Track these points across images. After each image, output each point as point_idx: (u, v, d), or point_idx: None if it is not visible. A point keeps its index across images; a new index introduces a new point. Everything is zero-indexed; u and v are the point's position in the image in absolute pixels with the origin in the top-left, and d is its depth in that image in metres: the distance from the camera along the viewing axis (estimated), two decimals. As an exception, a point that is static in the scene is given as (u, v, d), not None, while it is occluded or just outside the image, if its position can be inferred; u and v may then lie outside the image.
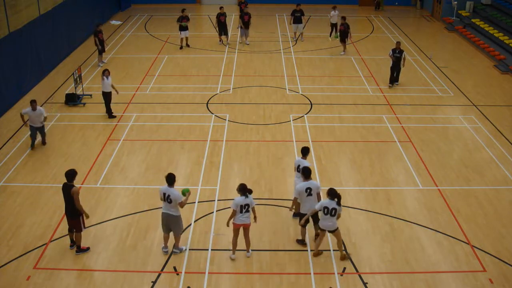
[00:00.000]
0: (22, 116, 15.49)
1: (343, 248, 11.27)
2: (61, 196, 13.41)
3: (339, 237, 11.05)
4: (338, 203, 10.70)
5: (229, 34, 26.77)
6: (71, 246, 11.43)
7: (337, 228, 10.94)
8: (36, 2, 21.20)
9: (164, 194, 10.83)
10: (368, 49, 25.79)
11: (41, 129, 15.73)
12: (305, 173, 11.27)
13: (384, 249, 11.51)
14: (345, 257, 11.16)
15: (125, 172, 14.56)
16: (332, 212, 10.71)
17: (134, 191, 13.66)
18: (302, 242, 11.60)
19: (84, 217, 11.14)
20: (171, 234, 11.25)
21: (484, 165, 15.12)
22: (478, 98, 19.91)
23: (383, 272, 10.87)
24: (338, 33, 24.89)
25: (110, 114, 17.79)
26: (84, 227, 11.24)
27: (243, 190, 10.68)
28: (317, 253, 11.24)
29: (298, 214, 11.64)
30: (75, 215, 11.01)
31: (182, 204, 10.80)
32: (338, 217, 10.87)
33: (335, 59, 24.23)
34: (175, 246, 11.32)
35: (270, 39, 27.25)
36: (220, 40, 26.37)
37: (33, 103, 15.29)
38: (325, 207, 10.72)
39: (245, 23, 25.71)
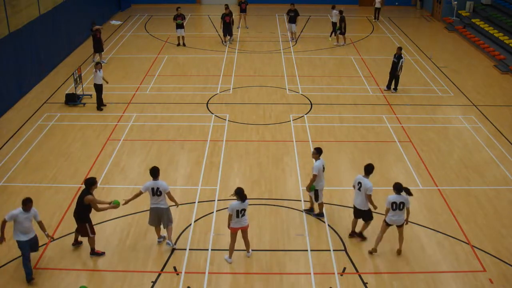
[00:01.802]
0: (3, 224, 10.33)
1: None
2: (61, 196, 13.49)
3: (403, 232, 11.12)
4: (409, 193, 10.74)
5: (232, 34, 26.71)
6: (73, 244, 11.46)
7: (404, 222, 11.02)
8: (36, 2, 21.20)
9: (153, 188, 10.94)
10: (368, 49, 25.80)
11: (35, 244, 10.62)
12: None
13: (384, 249, 11.49)
14: (400, 252, 11.26)
15: (125, 172, 14.56)
16: (400, 206, 10.76)
17: (134, 191, 13.56)
18: (361, 235, 11.79)
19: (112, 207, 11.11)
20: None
21: (484, 165, 15.11)
22: (478, 98, 19.91)
23: (383, 272, 10.87)
24: (338, 30, 25.83)
25: (101, 104, 18.42)
26: (92, 233, 11.12)
27: (240, 194, 10.62)
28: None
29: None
30: (80, 220, 11.00)
31: (170, 195, 11.05)
32: (408, 211, 10.92)
33: (335, 59, 24.24)
34: (168, 238, 11.35)
35: (270, 39, 27.25)
36: (224, 41, 26.24)
37: (28, 202, 10.23)
38: (393, 203, 10.76)
39: (227, 24, 25.71)
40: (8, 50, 18.64)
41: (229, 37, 26.19)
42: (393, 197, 10.81)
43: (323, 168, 12.04)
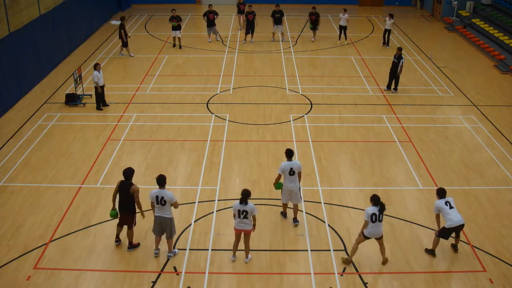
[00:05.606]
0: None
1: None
2: (61, 196, 13.46)
3: (383, 243, 10.96)
4: (383, 208, 10.61)
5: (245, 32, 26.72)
6: (116, 241, 11.56)
7: (382, 235, 10.88)
8: (37, 2, 21.20)
9: (157, 197, 10.75)
10: (368, 49, 25.80)
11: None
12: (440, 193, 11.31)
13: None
14: (387, 261, 11.10)
15: (125, 172, 14.55)
16: (379, 218, 10.62)
17: (134, 191, 13.64)
18: (432, 252, 11.40)
19: (141, 216, 11.33)
20: (163, 236, 11.17)
21: (484, 165, 15.11)
22: (478, 98, 19.91)
23: (383, 272, 10.87)
24: (311, 24, 26.43)
25: (104, 103, 18.58)
26: (135, 224, 11.37)
27: (242, 196, 10.57)
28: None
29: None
30: (131, 212, 11.14)
31: (176, 205, 10.84)
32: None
33: (335, 59, 24.24)
34: (169, 250, 11.21)
35: (270, 39, 27.23)
36: (209, 39, 26.64)
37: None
38: (373, 214, 10.57)
39: (211, 21, 25.90)
40: (8, 50, 18.64)
41: (250, 35, 26.39)
42: (371, 208, 10.61)
43: (291, 170, 11.74)
